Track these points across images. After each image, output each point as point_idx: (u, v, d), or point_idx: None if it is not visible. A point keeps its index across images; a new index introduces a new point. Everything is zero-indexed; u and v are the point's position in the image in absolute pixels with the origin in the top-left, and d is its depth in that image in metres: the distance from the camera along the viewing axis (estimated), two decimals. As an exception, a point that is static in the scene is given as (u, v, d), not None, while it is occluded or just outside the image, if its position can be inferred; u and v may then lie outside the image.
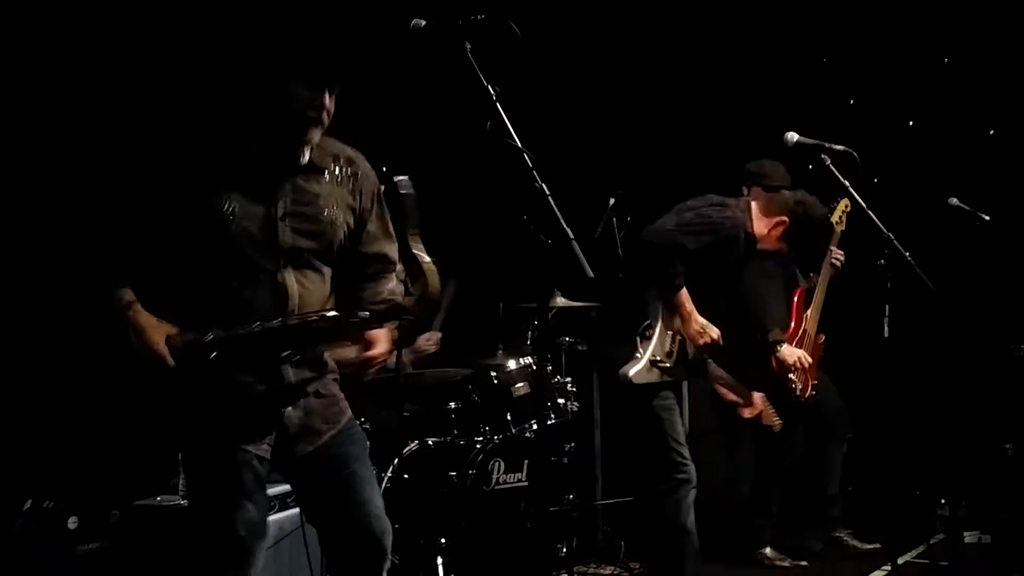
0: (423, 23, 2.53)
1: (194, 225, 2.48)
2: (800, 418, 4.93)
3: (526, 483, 4.37)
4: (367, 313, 2.57)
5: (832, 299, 4.94)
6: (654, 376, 3.91)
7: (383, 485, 3.94)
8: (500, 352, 4.85)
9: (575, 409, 4.84)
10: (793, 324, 4.83)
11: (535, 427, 4.48)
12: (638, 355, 3.90)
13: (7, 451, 3.97)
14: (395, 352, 3.96)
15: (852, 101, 6.02)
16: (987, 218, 4.78)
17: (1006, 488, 5.26)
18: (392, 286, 2.77)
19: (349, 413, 2.71)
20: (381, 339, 2.70)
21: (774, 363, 4.65)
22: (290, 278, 2.54)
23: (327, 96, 2.53)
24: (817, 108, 5.61)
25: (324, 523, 2.68)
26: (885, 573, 4.61)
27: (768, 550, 4.96)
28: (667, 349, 3.94)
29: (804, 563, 4.94)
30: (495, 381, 4.55)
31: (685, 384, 4.08)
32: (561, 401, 4.77)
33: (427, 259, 2.61)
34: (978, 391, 5.61)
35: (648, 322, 3.93)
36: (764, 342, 4.58)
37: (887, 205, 4.14)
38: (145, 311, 2.46)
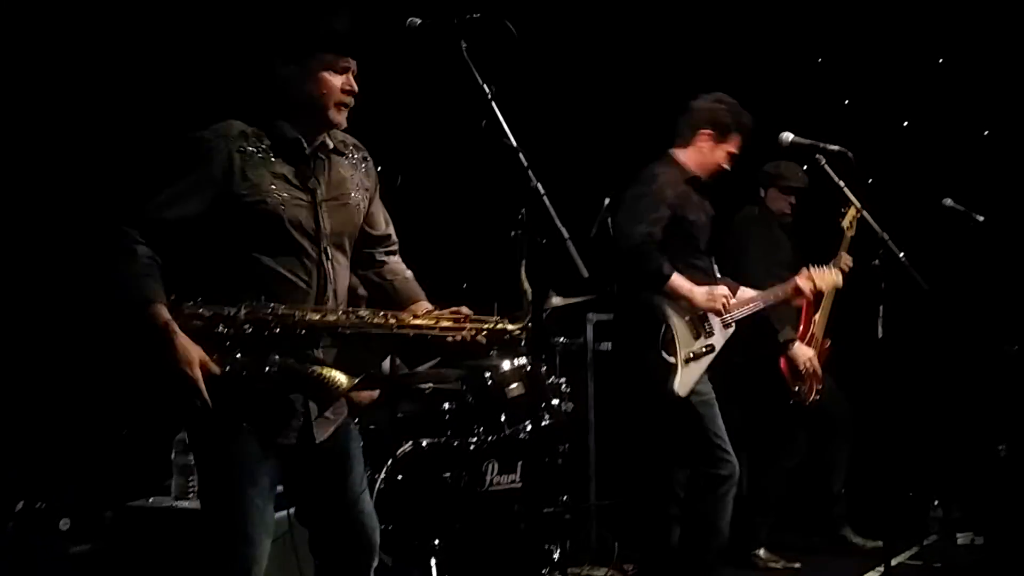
0: (418, 21, 2.52)
1: (248, 211, 2.48)
2: (802, 423, 4.94)
3: (520, 484, 4.36)
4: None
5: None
6: (696, 373, 3.88)
7: (377, 486, 3.93)
8: (494, 352, 4.83)
9: (569, 410, 4.83)
10: (802, 327, 4.84)
11: (529, 428, 4.47)
12: (672, 361, 3.86)
13: (-1, 452, 3.96)
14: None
15: (847, 101, 6.03)
16: (981, 219, 4.79)
17: (999, 489, 5.27)
18: (401, 264, 2.88)
19: (347, 409, 2.73)
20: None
21: (783, 362, 4.67)
22: (329, 262, 2.59)
23: (352, 76, 2.57)
24: (812, 108, 5.61)
25: (316, 517, 2.68)
26: (879, 574, 4.61)
27: (762, 551, 4.96)
28: (692, 335, 3.92)
29: (797, 565, 4.94)
30: (489, 382, 4.54)
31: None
32: (555, 402, 4.75)
33: (529, 294, 2.62)
34: (972, 392, 5.62)
35: (663, 326, 3.90)
36: (775, 340, 4.60)
37: (881, 205, 4.15)
38: (182, 332, 2.36)
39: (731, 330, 4.01)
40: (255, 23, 4.18)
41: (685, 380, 3.85)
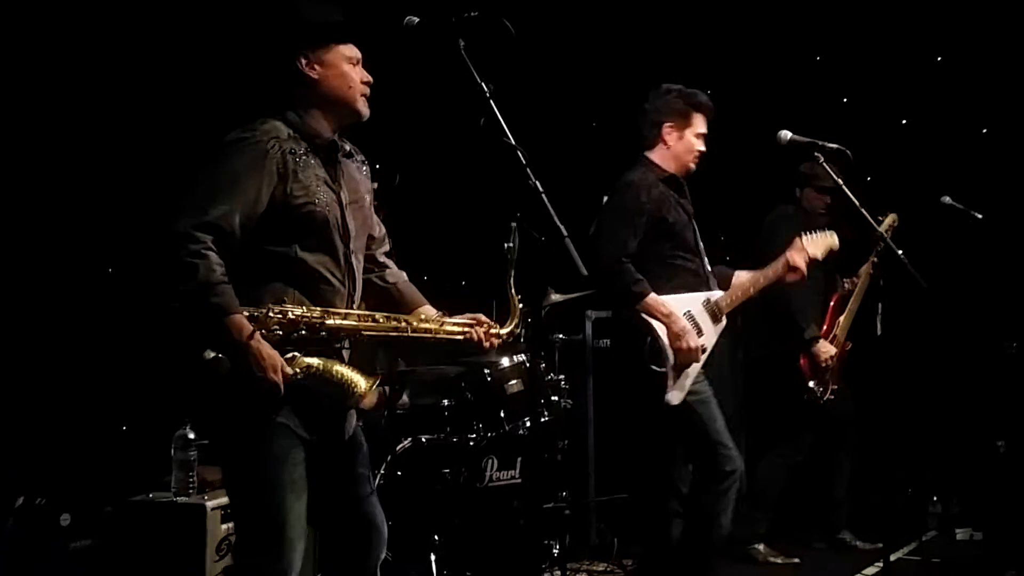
0: (416, 20, 2.53)
1: (297, 212, 2.51)
2: (811, 422, 4.94)
3: (519, 480, 4.37)
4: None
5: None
6: (690, 376, 3.84)
7: (376, 482, 3.94)
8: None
9: (568, 406, 4.84)
10: (826, 327, 4.85)
11: (528, 424, 4.48)
12: (663, 371, 3.78)
13: (-1, 448, 3.97)
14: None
15: (845, 99, 6.03)
16: (980, 216, 4.79)
17: (998, 485, 5.28)
18: (396, 267, 2.94)
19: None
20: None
21: (803, 359, 4.67)
22: (355, 261, 2.66)
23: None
24: (810, 106, 5.61)
25: (330, 512, 2.68)
26: (878, 570, 4.63)
27: (762, 546, 4.97)
28: None
29: (796, 560, 4.95)
30: (488, 378, 4.55)
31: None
32: (555, 398, 4.76)
33: (519, 302, 2.74)
34: (971, 388, 5.62)
35: (648, 338, 3.82)
36: (795, 337, 4.59)
37: (880, 203, 4.15)
38: (264, 340, 2.40)
39: (722, 325, 3.98)
40: (256, 23, 4.19)
41: (679, 387, 3.83)
